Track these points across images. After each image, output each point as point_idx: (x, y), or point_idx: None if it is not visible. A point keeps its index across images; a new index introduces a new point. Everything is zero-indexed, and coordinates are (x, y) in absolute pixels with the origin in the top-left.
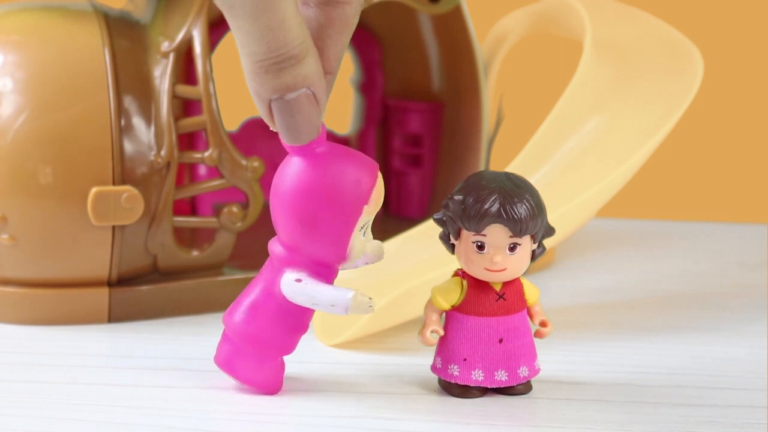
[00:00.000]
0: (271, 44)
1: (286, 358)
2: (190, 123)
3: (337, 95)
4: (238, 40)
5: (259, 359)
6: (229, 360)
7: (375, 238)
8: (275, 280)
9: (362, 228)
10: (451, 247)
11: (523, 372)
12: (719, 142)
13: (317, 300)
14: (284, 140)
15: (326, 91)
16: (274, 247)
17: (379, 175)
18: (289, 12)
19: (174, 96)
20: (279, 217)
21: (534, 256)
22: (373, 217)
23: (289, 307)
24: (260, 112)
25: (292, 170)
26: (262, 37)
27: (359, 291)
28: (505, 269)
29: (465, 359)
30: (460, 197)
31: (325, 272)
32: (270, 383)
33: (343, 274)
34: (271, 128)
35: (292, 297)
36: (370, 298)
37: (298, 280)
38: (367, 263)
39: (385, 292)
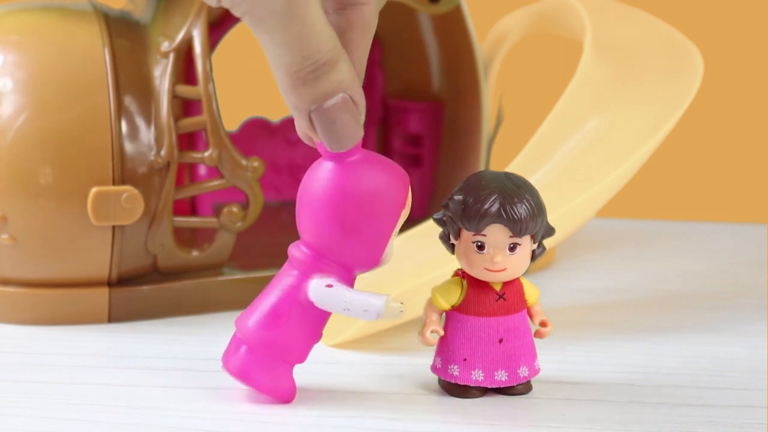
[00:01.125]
0: (304, 52)
1: None
2: (190, 123)
3: None
4: (269, 53)
5: (276, 367)
6: (244, 368)
7: None
8: (300, 286)
9: (398, 231)
10: (451, 247)
11: (523, 372)
12: (719, 142)
13: (350, 305)
14: (328, 148)
15: (363, 94)
16: (297, 252)
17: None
18: (318, 17)
19: (174, 96)
20: (312, 222)
21: (534, 256)
22: (402, 222)
23: (312, 313)
24: (300, 125)
25: (329, 176)
26: (295, 46)
27: (391, 297)
28: (505, 269)
29: (465, 359)
30: (460, 197)
31: (348, 277)
32: (286, 392)
33: None
34: (313, 139)
35: (322, 302)
36: (401, 304)
37: (329, 286)
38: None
39: (385, 292)
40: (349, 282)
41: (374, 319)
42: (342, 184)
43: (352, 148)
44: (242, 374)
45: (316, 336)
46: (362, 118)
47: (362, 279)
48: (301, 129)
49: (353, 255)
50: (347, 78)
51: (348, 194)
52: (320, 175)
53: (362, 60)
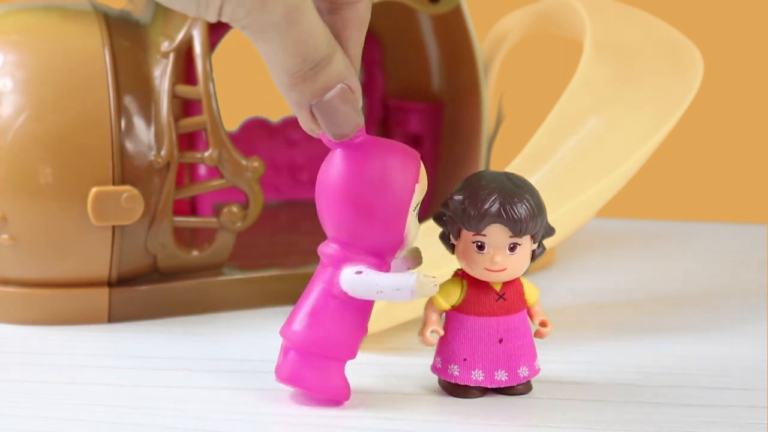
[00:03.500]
0: (303, 54)
1: None
2: (190, 123)
3: None
4: (267, 58)
5: (326, 366)
6: (294, 372)
7: None
8: (333, 281)
9: (415, 209)
10: (451, 247)
11: (523, 372)
12: (719, 142)
13: (382, 287)
14: (331, 137)
15: (359, 82)
16: (327, 249)
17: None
18: (313, 19)
19: (174, 96)
20: (331, 211)
21: (534, 256)
22: (422, 198)
23: (351, 305)
24: (301, 119)
25: (338, 163)
26: (294, 50)
27: (421, 272)
28: (505, 269)
29: (465, 359)
30: (460, 197)
31: (381, 264)
32: (341, 389)
33: None
34: (314, 131)
35: (355, 290)
36: (434, 277)
37: (359, 272)
38: (409, 267)
39: None
40: (383, 269)
41: (409, 298)
42: (349, 168)
43: (356, 134)
44: (294, 379)
45: (362, 329)
46: (360, 104)
47: None
48: (304, 123)
49: (374, 238)
50: (343, 68)
51: (357, 177)
52: (329, 166)
53: (358, 55)
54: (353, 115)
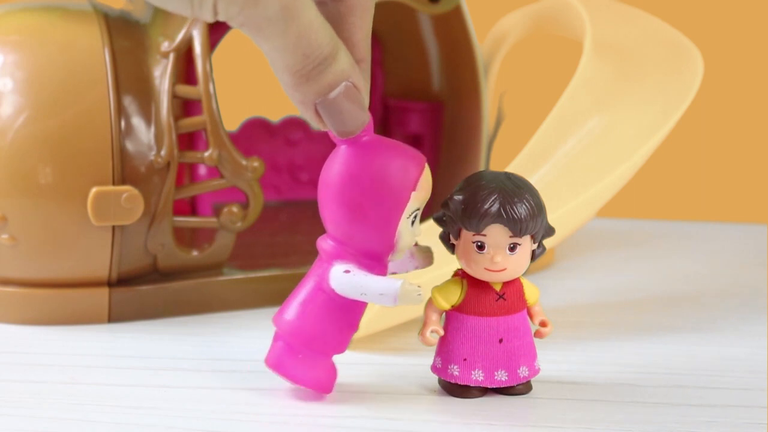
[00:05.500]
0: (305, 51)
1: None
2: (190, 123)
3: None
4: (270, 57)
5: (311, 358)
6: (279, 359)
7: None
8: (324, 275)
9: (410, 216)
10: (451, 247)
11: (523, 372)
12: (719, 142)
13: (366, 289)
14: (337, 135)
15: (364, 77)
16: (323, 243)
17: (427, 167)
18: (313, 15)
19: (174, 96)
20: (327, 208)
21: (534, 256)
22: (422, 206)
23: (340, 302)
24: (306, 117)
25: (339, 159)
26: (296, 47)
27: (407, 280)
28: (505, 269)
29: (465, 359)
30: (460, 197)
31: (375, 266)
32: (321, 382)
33: None
34: (320, 128)
35: (341, 289)
36: (418, 287)
37: (347, 271)
38: (417, 267)
39: None
40: (377, 270)
41: (392, 303)
42: (347, 167)
43: (363, 132)
44: (277, 366)
45: (350, 326)
46: (366, 102)
47: None
48: (310, 121)
49: (365, 240)
50: (347, 66)
51: (352, 177)
52: (331, 163)
53: (365, 42)
54: (359, 113)
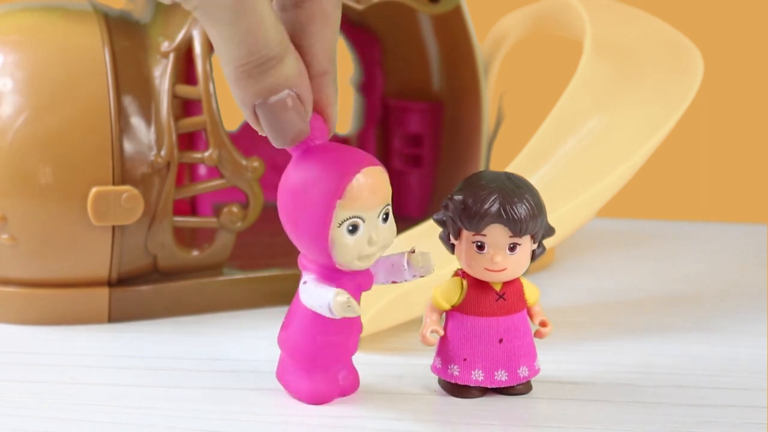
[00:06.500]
0: (251, 47)
1: None
2: (190, 123)
3: None
4: (217, 47)
5: (292, 367)
6: (280, 372)
7: None
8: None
9: (342, 223)
10: (451, 247)
11: (523, 372)
12: (719, 142)
13: (313, 301)
14: (272, 142)
15: (325, 91)
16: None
17: (375, 172)
18: (266, 13)
19: (174, 96)
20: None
21: (534, 256)
22: (373, 215)
23: (309, 310)
24: (246, 118)
25: (286, 170)
26: (242, 41)
27: (341, 291)
28: (505, 269)
29: (465, 359)
30: (460, 197)
31: (338, 276)
32: (301, 393)
33: None
34: (259, 133)
35: (303, 300)
36: (348, 298)
37: (304, 282)
38: (414, 276)
39: (385, 292)
40: (344, 281)
41: (331, 315)
42: (284, 176)
43: (307, 141)
44: (280, 378)
45: (324, 334)
46: (308, 116)
47: None
48: (249, 122)
49: (305, 248)
50: (293, 74)
51: (284, 186)
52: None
53: (327, 54)
54: (296, 126)
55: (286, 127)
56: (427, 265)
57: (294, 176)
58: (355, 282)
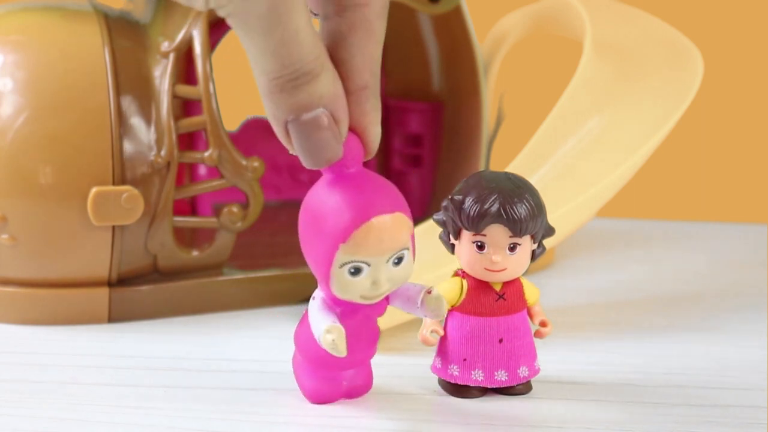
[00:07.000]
0: (285, 60)
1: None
2: (190, 123)
3: None
4: (251, 57)
5: (310, 368)
6: (294, 364)
7: None
8: None
9: (343, 266)
10: (451, 247)
11: (523, 372)
12: (719, 142)
13: (311, 324)
14: (302, 162)
15: (360, 108)
16: None
17: (388, 220)
18: (303, 25)
19: (174, 96)
20: None
21: (534, 256)
22: (381, 260)
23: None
24: (277, 134)
25: (311, 189)
26: (276, 52)
27: (331, 328)
28: (505, 269)
29: (465, 359)
30: (460, 197)
31: (342, 301)
32: (305, 390)
33: None
34: (289, 151)
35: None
36: (333, 339)
37: (313, 298)
38: (426, 315)
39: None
40: (345, 306)
41: (322, 345)
42: (307, 196)
43: (341, 163)
44: (293, 367)
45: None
46: (343, 138)
47: None
48: (280, 138)
49: (313, 272)
50: (328, 92)
51: (305, 203)
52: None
53: (368, 66)
54: (328, 147)
55: (318, 148)
56: (439, 311)
57: (314, 201)
58: (365, 309)
